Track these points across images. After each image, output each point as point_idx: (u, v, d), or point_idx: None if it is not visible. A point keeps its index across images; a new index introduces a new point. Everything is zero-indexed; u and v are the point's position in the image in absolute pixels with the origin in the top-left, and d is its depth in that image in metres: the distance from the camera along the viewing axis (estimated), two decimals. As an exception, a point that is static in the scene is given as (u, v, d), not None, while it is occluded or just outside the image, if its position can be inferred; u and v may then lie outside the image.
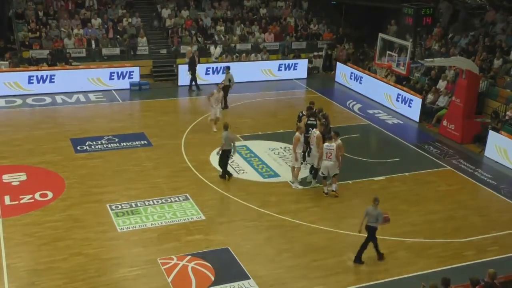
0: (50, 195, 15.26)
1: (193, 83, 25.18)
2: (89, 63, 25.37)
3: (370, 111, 23.53)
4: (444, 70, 23.67)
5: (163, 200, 15.20)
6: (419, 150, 19.71)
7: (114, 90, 24.54)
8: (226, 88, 22.24)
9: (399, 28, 26.74)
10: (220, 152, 16.42)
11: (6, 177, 16.11)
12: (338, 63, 27.86)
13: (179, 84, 25.70)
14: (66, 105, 22.72)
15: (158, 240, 13.38)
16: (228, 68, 23.31)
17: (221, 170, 16.70)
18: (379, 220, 12.62)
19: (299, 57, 28.63)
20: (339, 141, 15.83)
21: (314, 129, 16.35)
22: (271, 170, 17.34)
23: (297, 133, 16.15)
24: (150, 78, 26.12)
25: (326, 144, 15.56)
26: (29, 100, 22.90)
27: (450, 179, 17.63)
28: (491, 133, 19.18)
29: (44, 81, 23.63)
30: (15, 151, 17.90)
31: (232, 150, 16.58)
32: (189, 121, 21.27)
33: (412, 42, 20.75)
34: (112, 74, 24.71)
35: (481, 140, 19.96)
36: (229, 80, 22.64)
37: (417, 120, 22.42)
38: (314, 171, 16.53)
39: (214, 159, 17.96)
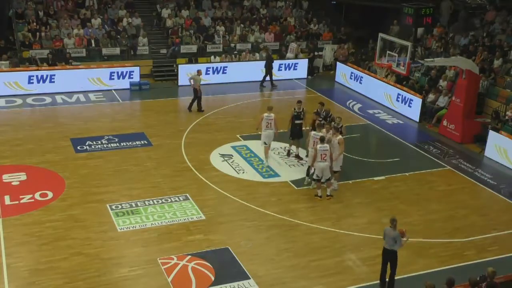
0: (50, 195, 15.26)
1: (266, 79, 26.14)
2: (89, 63, 25.38)
3: (370, 111, 23.54)
4: (444, 70, 23.68)
5: (163, 200, 15.21)
6: (419, 150, 19.71)
7: (114, 90, 24.53)
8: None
9: (401, 28, 26.74)
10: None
11: (6, 177, 16.11)
12: (338, 63, 27.88)
13: (179, 84, 25.71)
14: (66, 105, 22.73)
15: (158, 240, 13.39)
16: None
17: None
18: (398, 243, 11.56)
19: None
20: (339, 136, 15.90)
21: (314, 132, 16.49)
22: (271, 170, 17.35)
23: (340, 136, 16.01)
24: (150, 78, 26.15)
25: (319, 145, 15.45)
26: (29, 100, 22.89)
27: (450, 179, 17.63)
28: (491, 133, 19.18)
29: (44, 81, 23.61)
30: (15, 151, 17.90)
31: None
32: (189, 121, 21.29)
33: (412, 41, 20.76)
34: (112, 74, 24.71)
35: (481, 140, 19.96)
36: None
37: (417, 120, 22.42)
38: (308, 171, 16.61)
39: (214, 159, 18.00)
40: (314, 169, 15.86)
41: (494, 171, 18.22)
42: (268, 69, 26.07)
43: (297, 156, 18.12)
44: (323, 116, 17.95)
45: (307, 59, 28.24)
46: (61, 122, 20.81)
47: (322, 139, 15.60)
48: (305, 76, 27.90)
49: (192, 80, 22.39)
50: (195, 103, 22.41)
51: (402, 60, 21.91)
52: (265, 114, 17.32)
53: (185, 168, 17.27)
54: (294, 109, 18.00)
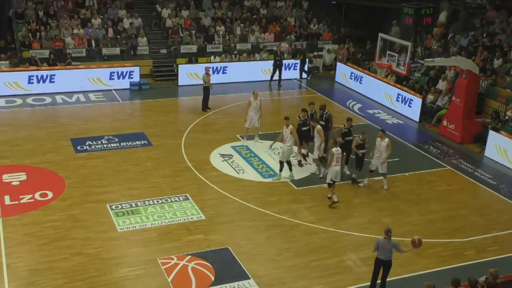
0: (50, 195, 15.26)
1: (278, 78, 26.54)
2: (89, 63, 25.37)
3: (370, 111, 23.54)
4: (444, 70, 23.67)
5: (163, 200, 15.21)
6: (419, 150, 19.71)
7: (114, 90, 24.54)
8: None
9: (400, 28, 26.75)
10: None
11: (6, 177, 16.11)
12: (338, 63, 27.87)
13: (179, 84, 25.72)
14: (66, 105, 22.73)
15: (158, 240, 13.38)
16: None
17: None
18: (399, 250, 11.47)
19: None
20: (386, 138, 16.25)
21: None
22: (271, 170, 17.35)
23: (387, 139, 16.43)
24: (150, 78, 26.15)
25: (335, 148, 15.28)
26: (29, 100, 22.89)
27: (450, 179, 17.64)
28: (491, 133, 19.18)
29: (44, 81, 23.62)
30: (16, 151, 17.90)
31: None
32: (189, 121, 21.29)
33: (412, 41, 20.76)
34: (112, 74, 24.71)
35: (481, 140, 19.96)
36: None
37: (417, 120, 22.43)
38: (285, 164, 16.60)
39: (214, 159, 18.00)
40: (327, 173, 15.58)
41: (494, 171, 18.22)
42: (274, 68, 26.28)
43: (303, 157, 17.89)
44: (319, 115, 17.89)
45: (298, 61, 27.87)
46: (61, 122, 20.81)
47: (337, 143, 15.53)
48: (305, 76, 27.85)
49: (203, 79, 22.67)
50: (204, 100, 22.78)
51: (402, 60, 21.92)
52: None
53: (185, 168, 17.27)
54: (299, 117, 17.87)
